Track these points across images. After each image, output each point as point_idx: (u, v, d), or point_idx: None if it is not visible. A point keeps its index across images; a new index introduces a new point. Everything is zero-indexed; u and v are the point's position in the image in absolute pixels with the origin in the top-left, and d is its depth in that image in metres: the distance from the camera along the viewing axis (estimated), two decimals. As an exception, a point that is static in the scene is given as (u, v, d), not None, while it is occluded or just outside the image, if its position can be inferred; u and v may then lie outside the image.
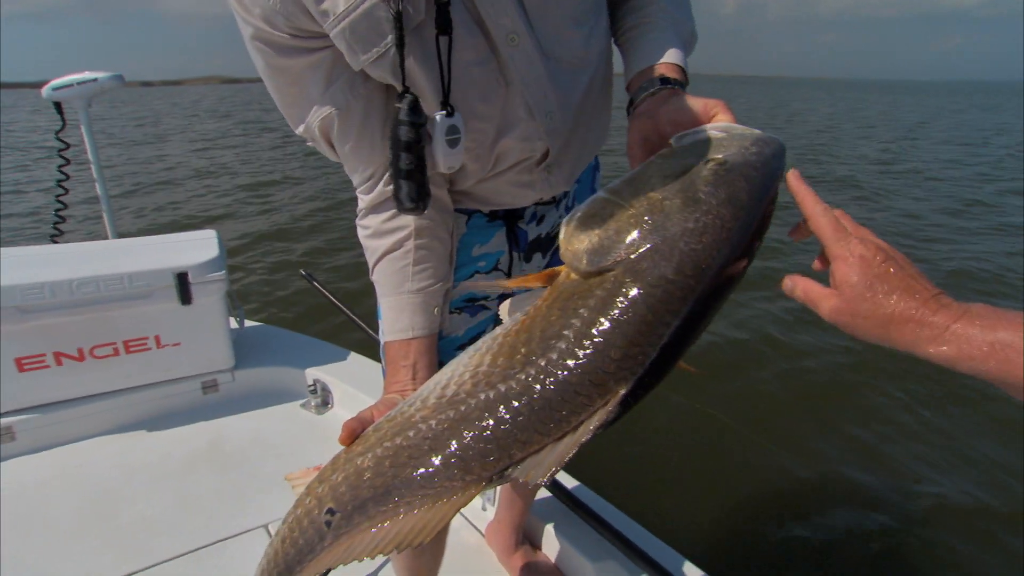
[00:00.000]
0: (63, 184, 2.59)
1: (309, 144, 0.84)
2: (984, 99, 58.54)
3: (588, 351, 0.52)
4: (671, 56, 0.77)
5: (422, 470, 0.56)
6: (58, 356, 1.87)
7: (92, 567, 1.48)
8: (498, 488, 1.61)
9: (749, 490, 2.74)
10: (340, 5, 0.68)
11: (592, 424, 0.52)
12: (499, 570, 1.54)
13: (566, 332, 0.54)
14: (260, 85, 0.86)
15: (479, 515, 1.69)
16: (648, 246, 0.54)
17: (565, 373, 0.52)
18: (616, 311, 0.52)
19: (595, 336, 0.52)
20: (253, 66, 0.78)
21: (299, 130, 0.81)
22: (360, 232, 0.88)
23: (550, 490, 1.59)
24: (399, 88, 0.72)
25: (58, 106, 2.43)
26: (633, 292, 0.52)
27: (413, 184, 0.73)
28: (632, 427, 3.05)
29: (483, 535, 1.62)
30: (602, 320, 0.53)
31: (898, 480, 2.83)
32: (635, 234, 0.55)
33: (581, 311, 0.54)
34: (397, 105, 0.71)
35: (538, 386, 0.53)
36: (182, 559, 1.51)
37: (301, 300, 4.71)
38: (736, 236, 0.55)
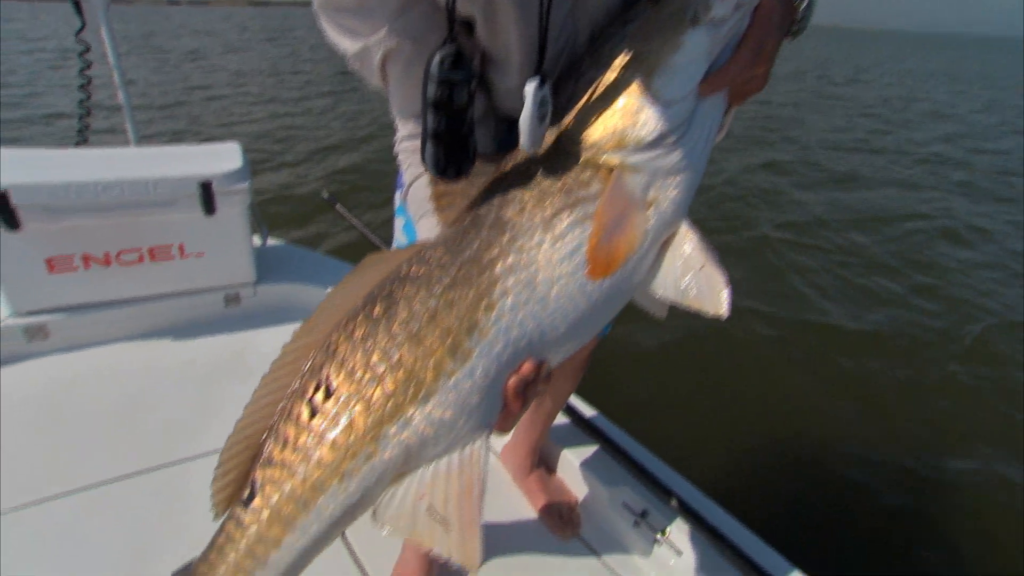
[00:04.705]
0: (86, 87, 2.54)
1: (352, 68, 0.74)
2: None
3: None
4: None
5: None
6: (86, 259, 1.88)
7: (118, 461, 1.54)
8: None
9: (764, 424, 2.77)
10: None
11: None
12: (513, 491, 1.57)
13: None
14: (287, 9, 0.76)
15: (494, 437, 1.70)
16: None
17: None
18: None
19: None
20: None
21: (352, 50, 0.71)
22: (400, 152, 0.81)
23: (568, 416, 1.60)
24: (446, 33, 0.59)
25: (76, 5, 2.33)
26: None
27: (440, 149, 0.63)
28: (651, 359, 3.06)
29: (498, 456, 1.65)
30: None
31: (919, 438, 2.82)
32: None
33: None
34: (431, 56, 0.59)
35: None
36: (203, 459, 1.56)
37: (323, 221, 4.71)
38: None
